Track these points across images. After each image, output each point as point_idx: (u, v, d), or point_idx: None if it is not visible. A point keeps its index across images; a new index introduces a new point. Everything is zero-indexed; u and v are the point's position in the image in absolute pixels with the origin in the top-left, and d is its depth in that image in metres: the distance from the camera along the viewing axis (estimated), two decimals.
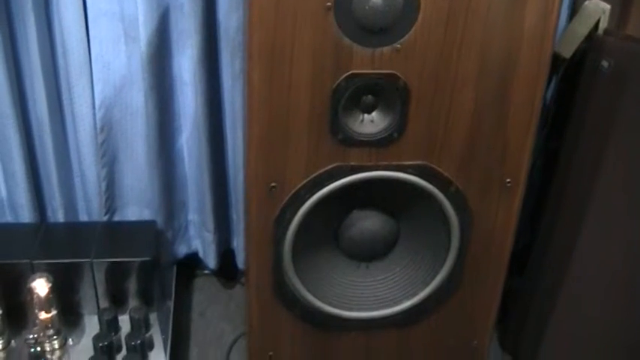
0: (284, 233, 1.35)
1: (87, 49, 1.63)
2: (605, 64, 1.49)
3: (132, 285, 1.70)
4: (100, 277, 1.67)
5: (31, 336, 1.48)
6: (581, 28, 1.56)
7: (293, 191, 1.31)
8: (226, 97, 1.75)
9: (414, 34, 1.21)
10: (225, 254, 1.96)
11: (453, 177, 1.35)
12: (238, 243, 1.94)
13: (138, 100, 1.70)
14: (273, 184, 1.30)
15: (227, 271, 1.99)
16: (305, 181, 1.31)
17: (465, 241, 1.42)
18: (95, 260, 1.65)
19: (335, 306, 1.45)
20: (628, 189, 1.48)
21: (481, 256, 1.46)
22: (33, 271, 1.63)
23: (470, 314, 1.54)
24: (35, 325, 1.59)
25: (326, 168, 1.30)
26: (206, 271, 2.03)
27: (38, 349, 1.49)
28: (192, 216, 1.91)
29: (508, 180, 1.38)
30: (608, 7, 1.58)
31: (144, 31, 1.59)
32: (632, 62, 1.44)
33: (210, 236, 1.87)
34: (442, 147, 1.33)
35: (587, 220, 1.58)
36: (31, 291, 1.56)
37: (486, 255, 1.46)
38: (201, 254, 1.94)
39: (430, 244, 1.45)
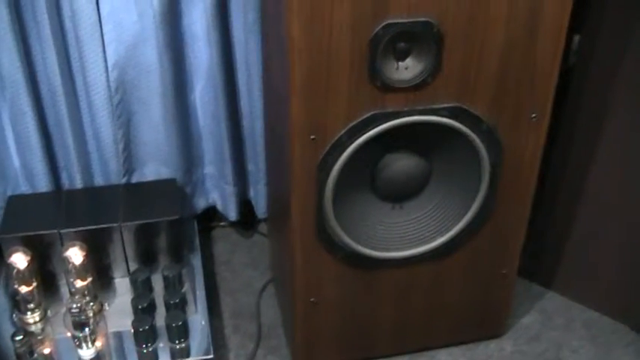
0: (325, 179, 1.44)
1: (96, 9, 1.67)
2: None
3: (160, 244, 1.78)
4: (129, 239, 1.75)
5: (74, 305, 1.56)
6: None
7: (334, 139, 1.40)
8: (238, 49, 1.82)
9: None
10: (243, 205, 2.05)
11: (483, 115, 1.46)
12: (255, 193, 2.03)
13: (151, 57, 1.76)
14: (313, 136, 1.39)
15: (245, 221, 2.09)
16: (345, 129, 1.40)
17: (495, 174, 1.53)
18: (123, 224, 1.73)
19: (373, 248, 1.56)
20: (636, 114, 1.63)
21: (510, 188, 1.58)
22: (62, 241, 1.70)
23: (500, 243, 1.67)
24: (72, 293, 1.68)
25: (365, 115, 1.39)
26: (223, 223, 2.12)
27: (83, 317, 1.57)
28: (209, 169, 1.99)
29: (534, 115, 1.50)
30: None
31: None
32: None
33: (229, 188, 1.96)
34: (474, 87, 1.42)
35: (601, 140, 1.72)
36: (66, 260, 1.64)
37: (515, 186, 1.58)
38: (220, 206, 2.03)
39: (461, 181, 1.56)
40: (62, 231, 1.70)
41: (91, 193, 1.89)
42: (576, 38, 1.72)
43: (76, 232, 1.70)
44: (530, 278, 2.00)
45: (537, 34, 1.40)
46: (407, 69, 1.38)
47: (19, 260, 1.62)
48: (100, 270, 1.76)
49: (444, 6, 1.31)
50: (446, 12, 1.32)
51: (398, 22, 1.31)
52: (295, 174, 1.45)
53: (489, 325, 1.83)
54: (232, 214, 2.01)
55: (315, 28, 1.29)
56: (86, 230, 1.71)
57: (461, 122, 1.44)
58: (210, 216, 2.12)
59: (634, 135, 1.67)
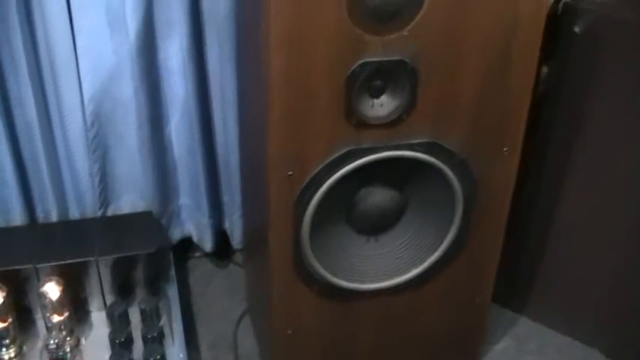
0: (302, 215, 1.47)
1: (72, 43, 1.69)
2: (577, 29, 1.66)
3: (137, 277, 1.80)
4: (106, 273, 1.76)
5: (51, 341, 1.56)
6: None
7: (311, 175, 1.43)
8: (214, 82, 1.84)
9: (421, 20, 1.32)
10: (218, 235, 2.07)
11: (457, 149, 1.49)
12: (231, 224, 2.05)
13: (127, 91, 1.78)
14: (290, 172, 1.42)
15: (220, 251, 2.11)
16: (322, 165, 1.42)
17: (468, 206, 1.57)
18: (100, 258, 1.74)
19: (350, 280, 1.59)
20: (606, 141, 1.70)
21: (483, 219, 1.61)
22: (38, 276, 1.71)
23: (474, 273, 1.70)
24: (48, 329, 1.68)
25: (342, 151, 1.42)
26: (198, 254, 2.14)
27: (60, 353, 1.58)
28: (185, 200, 2.01)
29: (505, 148, 1.54)
30: None
31: (131, 23, 1.67)
32: (603, 26, 1.62)
33: (205, 219, 1.98)
34: (447, 122, 1.46)
35: (571, 169, 1.77)
36: (42, 295, 1.65)
37: (487, 217, 1.62)
38: (195, 238, 2.05)
39: (435, 213, 1.59)
40: (38, 265, 1.70)
41: (67, 226, 1.89)
42: (544, 69, 1.77)
43: (52, 266, 1.71)
44: (503, 304, 2.04)
45: (509, 70, 1.44)
46: (382, 106, 1.41)
47: None
48: (76, 304, 1.76)
49: (417, 44, 1.35)
50: (420, 50, 1.36)
51: (373, 61, 1.34)
52: (272, 209, 1.47)
53: (465, 352, 1.86)
54: (208, 245, 2.03)
55: (293, 66, 1.32)
56: (62, 265, 1.71)
57: (435, 157, 1.48)
58: (186, 246, 2.13)
59: (603, 163, 1.72)
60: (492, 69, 1.43)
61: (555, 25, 1.67)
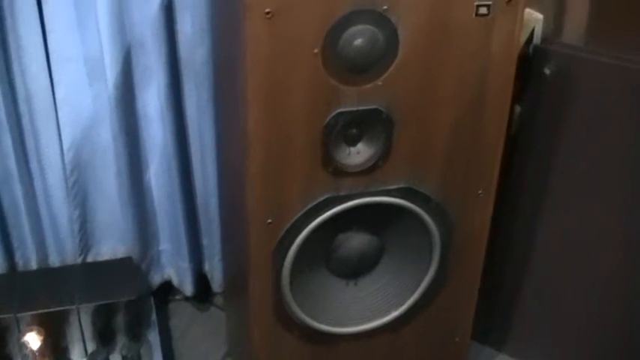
0: (282, 261, 1.49)
1: (51, 93, 1.72)
2: (547, 71, 1.71)
3: (118, 324, 1.81)
4: (87, 321, 1.77)
5: None
6: None
7: (290, 222, 1.46)
8: (192, 129, 1.87)
9: (395, 69, 1.36)
10: (198, 279, 2.09)
11: (432, 193, 1.53)
12: (211, 267, 2.07)
13: (106, 138, 1.80)
14: (269, 220, 1.45)
15: (200, 294, 2.12)
16: (301, 213, 1.45)
17: (445, 248, 1.60)
18: (81, 306, 1.75)
19: (330, 324, 1.61)
20: (578, 180, 1.74)
21: (460, 260, 1.65)
22: (18, 325, 1.72)
23: (452, 313, 1.73)
24: None
25: (320, 199, 1.45)
26: (178, 297, 2.15)
27: None
28: (165, 245, 2.03)
29: (480, 191, 1.58)
30: (541, 16, 1.80)
31: (110, 73, 1.70)
32: (572, 68, 1.67)
33: (185, 264, 2.00)
34: (423, 167, 1.50)
35: (545, 209, 1.81)
36: (23, 345, 1.66)
37: (464, 258, 1.65)
38: (175, 282, 2.07)
39: (413, 256, 1.62)
40: (19, 315, 1.71)
41: (47, 273, 1.90)
42: (517, 109, 1.82)
43: (32, 315, 1.71)
44: (482, 341, 2.07)
45: (483, 114, 1.48)
46: (359, 154, 1.44)
47: None
48: (57, 352, 1.77)
49: (392, 94, 1.39)
50: (394, 99, 1.39)
51: (349, 111, 1.38)
52: (252, 256, 1.50)
53: None
54: (188, 289, 2.05)
55: (270, 117, 1.35)
56: (43, 313, 1.72)
57: (411, 201, 1.51)
58: (167, 289, 2.14)
59: (576, 200, 1.76)
60: (465, 114, 1.47)
61: (527, 66, 1.72)
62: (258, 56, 1.29)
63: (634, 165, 1.66)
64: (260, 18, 1.25)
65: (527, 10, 1.71)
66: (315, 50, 1.30)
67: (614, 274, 1.78)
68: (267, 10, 1.24)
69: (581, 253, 1.81)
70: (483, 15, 1.37)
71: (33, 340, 1.65)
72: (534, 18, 1.79)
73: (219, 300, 2.18)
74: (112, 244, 1.96)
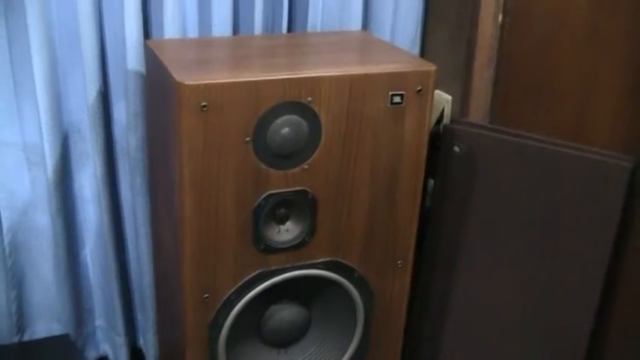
0: (218, 334, 1.60)
1: None
2: (456, 148, 1.88)
3: None
4: None
5: None
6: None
7: (224, 298, 1.57)
8: (126, 209, 1.98)
9: (318, 154, 1.52)
10: (133, 353, 2.16)
11: (355, 265, 1.67)
12: (145, 341, 2.15)
13: (42, 221, 1.89)
14: (206, 295, 1.56)
15: None
16: (234, 288, 1.57)
17: (368, 316, 1.74)
18: None
19: None
20: (486, 247, 1.89)
21: (382, 327, 1.78)
22: None
23: None
24: None
25: (251, 275, 1.58)
26: None
27: None
28: (100, 322, 2.09)
29: (399, 261, 1.73)
30: (450, 97, 1.99)
31: (49, 158, 1.79)
32: (478, 145, 1.84)
33: (120, 339, 2.07)
34: (345, 242, 1.64)
35: (457, 275, 1.96)
36: None
37: (386, 325, 1.79)
38: (111, 357, 2.13)
39: (339, 324, 1.75)
40: None
41: None
42: (431, 182, 1.98)
43: None
44: None
45: (397, 191, 1.65)
46: (287, 231, 1.58)
47: None
48: None
49: (316, 176, 1.54)
50: (318, 181, 1.55)
51: (278, 192, 1.52)
52: (189, 329, 1.60)
53: None
54: None
55: (204, 202, 1.48)
56: None
57: (336, 273, 1.66)
58: None
59: (485, 266, 1.91)
60: (382, 192, 1.63)
61: (438, 143, 1.89)
62: (193, 147, 1.43)
63: (536, 233, 1.82)
64: (195, 111, 1.40)
65: (437, 92, 1.90)
66: (247, 138, 1.45)
67: (521, 333, 1.92)
68: (203, 103, 1.38)
69: (490, 316, 1.95)
70: (397, 104, 1.55)
71: None
72: (444, 99, 1.98)
73: None
74: (47, 322, 2.01)
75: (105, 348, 2.14)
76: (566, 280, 1.80)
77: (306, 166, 1.53)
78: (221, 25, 1.83)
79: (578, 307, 1.80)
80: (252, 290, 1.59)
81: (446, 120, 1.98)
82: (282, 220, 1.58)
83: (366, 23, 2.02)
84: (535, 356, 1.90)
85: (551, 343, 1.86)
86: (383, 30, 2.02)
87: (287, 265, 1.61)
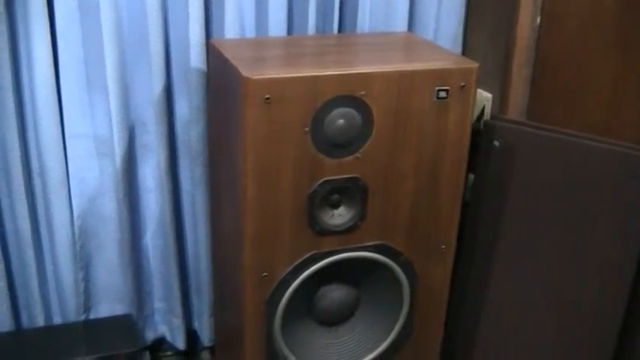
0: (274, 312, 1.75)
1: (64, 167, 1.98)
2: (496, 143, 2.01)
3: None
4: None
5: None
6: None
7: (281, 277, 1.73)
8: (186, 198, 2.15)
9: (370, 144, 1.67)
10: (188, 335, 2.33)
11: (402, 249, 1.82)
12: (200, 324, 2.31)
13: (109, 208, 2.05)
14: (265, 273, 1.72)
15: (189, 350, 2.36)
16: (290, 268, 1.73)
17: (413, 297, 1.88)
18: (86, 357, 1.96)
19: None
20: (522, 238, 2.01)
21: (426, 308, 1.92)
22: None
23: (419, 357, 2.00)
24: None
25: (306, 255, 1.73)
26: (168, 352, 2.38)
27: None
28: (158, 304, 2.26)
29: (443, 246, 1.87)
30: (490, 95, 2.12)
31: (118, 148, 1.97)
32: (517, 140, 1.96)
33: (177, 321, 2.24)
34: (392, 227, 1.79)
35: (494, 269, 2.09)
36: None
37: (430, 305, 1.93)
38: (168, 338, 2.29)
39: (386, 305, 1.89)
40: None
41: (52, 330, 2.12)
42: (471, 177, 2.12)
43: None
44: None
45: (440, 182, 1.79)
46: (340, 215, 1.73)
47: None
48: None
49: (366, 166, 1.69)
50: (369, 169, 1.69)
51: (332, 179, 1.67)
52: (248, 307, 1.75)
53: None
54: (180, 345, 2.27)
55: (264, 188, 1.63)
56: None
57: (384, 256, 1.80)
58: (156, 347, 2.37)
59: (522, 259, 2.04)
60: (426, 182, 1.77)
61: (479, 140, 2.02)
62: (256, 136, 1.58)
63: (573, 223, 1.92)
64: (259, 104, 1.55)
65: (479, 91, 2.04)
66: (306, 129, 1.60)
67: (556, 327, 2.01)
68: (266, 96, 1.54)
69: (524, 303, 2.05)
70: (443, 98, 1.69)
71: None
72: (485, 97, 2.12)
73: (205, 355, 2.40)
74: (111, 303, 2.18)
75: (163, 329, 2.30)
76: (598, 270, 1.89)
77: (358, 155, 1.67)
78: (276, 25, 2.00)
79: (610, 298, 1.89)
80: (306, 270, 1.74)
81: (486, 117, 2.12)
82: (335, 205, 1.73)
83: (410, 25, 2.17)
84: (567, 343, 2.00)
85: (583, 331, 1.96)
86: (426, 31, 2.17)
87: (339, 248, 1.76)
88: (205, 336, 2.31)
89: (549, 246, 1.97)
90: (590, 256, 1.91)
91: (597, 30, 1.90)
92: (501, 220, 2.04)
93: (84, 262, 2.10)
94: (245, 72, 1.55)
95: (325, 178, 1.67)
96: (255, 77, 1.54)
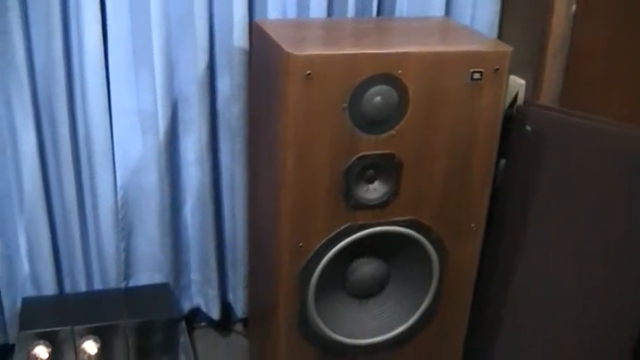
0: (308, 282, 1.84)
1: (110, 140, 2.08)
2: (528, 128, 2.06)
3: (157, 342, 2.12)
4: (131, 335, 2.09)
5: None
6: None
7: (315, 248, 1.81)
8: (225, 173, 2.24)
9: (405, 122, 1.74)
10: (223, 306, 2.42)
11: (432, 226, 1.89)
12: (234, 296, 2.41)
13: (150, 180, 2.15)
14: (300, 244, 1.80)
15: (223, 321, 2.45)
16: (325, 240, 1.81)
17: (442, 274, 1.95)
18: (127, 321, 2.07)
19: (347, 336, 1.94)
20: (550, 223, 2.05)
21: (454, 286, 1.99)
22: (74, 336, 2.03)
23: (446, 334, 2.07)
24: None
25: (341, 228, 1.81)
26: (203, 323, 2.48)
27: None
28: (195, 275, 2.36)
29: (473, 224, 1.94)
30: (523, 82, 2.18)
31: (162, 123, 2.06)
32: (548, 126, 2.00)
33: (213, 292, 2.33)
34: (424, 203, 1.86)
35: (523, 253, 2.14)
36: (82, 352, 1.97)
37: (458, 283, 2.00)
38: (204, 308, 2.39)
39: (415, 280, 1.97)
40: (75, 327, 2.02)
41: (95, 295, 2.23)
42: (502, 162, 2.18)
43: (87, 328, 2.03)
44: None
45: (472, 163, 1.86)
46: (375, 190, 1.81)
47: (41, 352, 1.94)
48: None
49: (402, 142, 1.76)
50: (403, 146, 1.77)
51: (368, 154, 1.75)
52: (283, 277, 1.84)
53: None
54: (215, 315, 2.37)
55: (303, 162, 1.71)
56: (96, 327, 2.04)
57: (415, 231, 1.87)
58: (191, 317, 2.47)
59: (551, 245, 2.09)
60: (459, 161, 1.84)
61: (511, 125, 2.07)
62: (297, 111, 1.67)
63: (602, 211, 1.96)
64: (301, 79, 1.63)
65: (512, 77, 2.09)
66: (344, 105, 1.68)
67: (579, 303, 2.05)
68: (308, 72, 1.63)
69: (550, 286, 2.08)
70: (477, 80, 1.76)
71: (91, 347, 1.96)
72: (518, 83, 2.17)
73: (239, 327, 2.50)
74: (150, 272, 2.28)
75: (198, 300, 2.40)
76: (625, 256, 1.93)
77: (394, 132, 1.75)
78: (317, 8, 2.08)
79: (635, 284, 1.94)
80: (340, 242, 1.82)
81: (519, 103, 2.17)
82: (370, 180, 1.80)
83: (447, 11, 2.24)
84: (591, 325, 2.04)
85: (607, 312, 2.00)
86: (463, 18, 2.24)
87: (372, 221, 1.83)
88: (239, 308, 2.40)
89: (577, 233, 2.01)
90: (617, 241, 1.95)
91: (632, 19, 1.94)
92: (530, 205, 2.08)
93: (125, 232, 2.20)
94: (288, 48, 1.63)
95: (361, 154, 1.75)
96: (297, 53, 1.62)
